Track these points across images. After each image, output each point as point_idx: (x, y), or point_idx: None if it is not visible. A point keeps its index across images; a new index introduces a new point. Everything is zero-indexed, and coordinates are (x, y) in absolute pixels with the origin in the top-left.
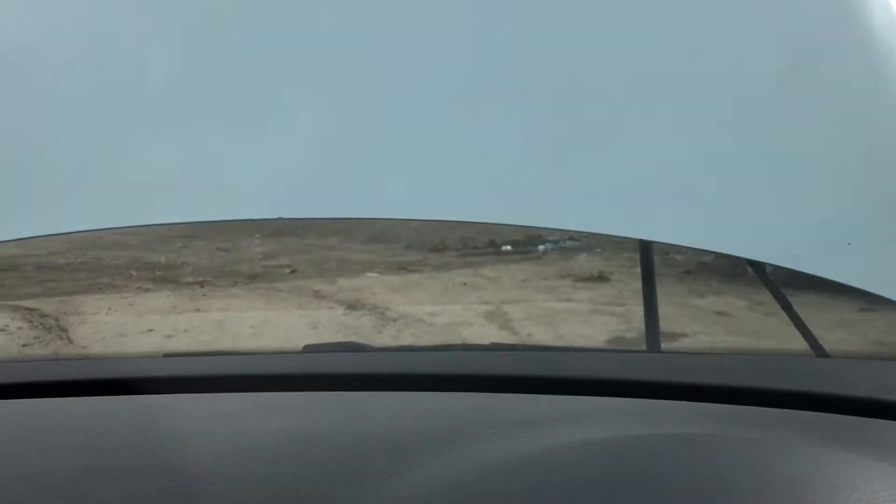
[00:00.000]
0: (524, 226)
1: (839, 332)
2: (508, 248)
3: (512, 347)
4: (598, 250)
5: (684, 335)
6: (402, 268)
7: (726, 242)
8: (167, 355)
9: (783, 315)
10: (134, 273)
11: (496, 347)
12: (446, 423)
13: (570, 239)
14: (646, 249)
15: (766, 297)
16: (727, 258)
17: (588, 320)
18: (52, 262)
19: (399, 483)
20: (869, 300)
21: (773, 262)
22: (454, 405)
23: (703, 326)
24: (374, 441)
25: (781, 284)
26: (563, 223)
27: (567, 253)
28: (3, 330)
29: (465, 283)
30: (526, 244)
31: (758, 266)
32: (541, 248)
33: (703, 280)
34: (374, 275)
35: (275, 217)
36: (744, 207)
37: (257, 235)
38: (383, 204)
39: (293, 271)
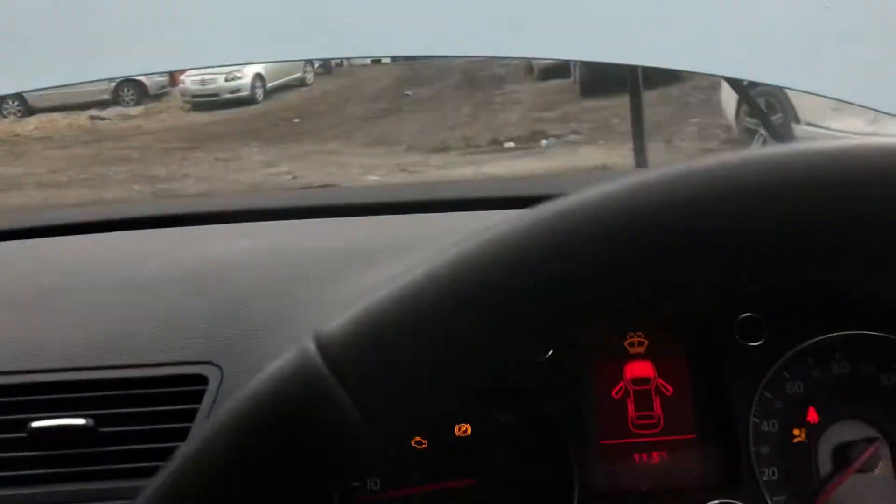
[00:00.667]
0: (518, 57)
1: None
2: (511, 144)
3: (495, 178)
4: (601, 142)
5: None
6: (404, 170)
7: (715, 63)
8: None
9: None
10: (136, 188)
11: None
12: (412, 235)
13: (574, 133)
14: (633, 73)
15: None
16: (732, 144)
17: None
18: (53, 180)
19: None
20: None
21: (759, 80)
22: (427, 223)
23: None
24: (332, 255)
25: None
26: (558, 52)
27: (570, 147)
28: None
29: None
30: (528, 140)
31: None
32: (544, 143)
33: None
34: (376, 178)
35: (243, 62)
36: (731, 26)
37: (255, 144)
38: (361, 41)
39: (294, 178)
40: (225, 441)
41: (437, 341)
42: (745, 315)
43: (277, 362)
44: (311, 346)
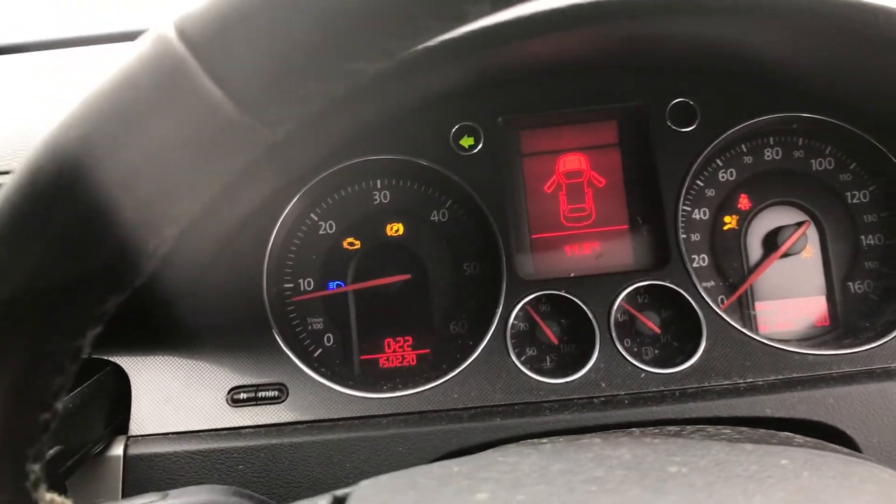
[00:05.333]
0: None
1: None
2: None
3: None
4: None
5: None
6: None
7: None
8: None
9: None
10: None
11: None
12: None
13: None
14: None
15: None
16: None
17: None
18: None
19: None
20: None
21: None
22: None
23: None
24: None
25: None
26: None
27: None
28: None
29: None
30: None
31: None
32: None
33: None
34: None
35: None
36: None
37: None
38: None
39: None
40: (79, 134)
41: (303, 11)
42: (677, 101)
43: (134, 50)
44: (170, 31)
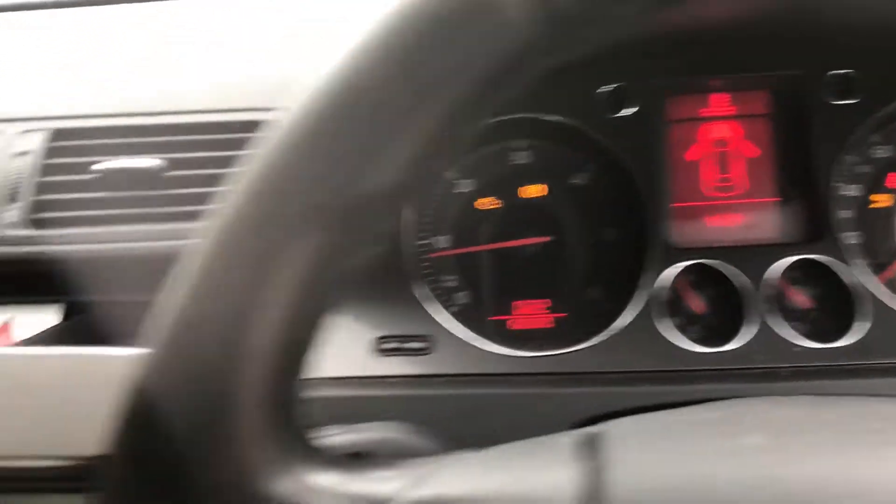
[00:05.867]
0: None
1: None
2: None
3: None
4: None
5: None
6: None
7: None
8: None
9: None
10: None
11: None
12: None
13: None
14: None
15: None
16: None
17: None
18: None
19: None
20: None
21: None
22: None
23: None
24: None
25: None
26: None
27: None
28: None
29: None
30: None
31: None
32: None
33: None
34: None
35: None
36: None
37: None
38: None
39: None
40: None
41: None
42: (835, 72)
43: None
44: None
